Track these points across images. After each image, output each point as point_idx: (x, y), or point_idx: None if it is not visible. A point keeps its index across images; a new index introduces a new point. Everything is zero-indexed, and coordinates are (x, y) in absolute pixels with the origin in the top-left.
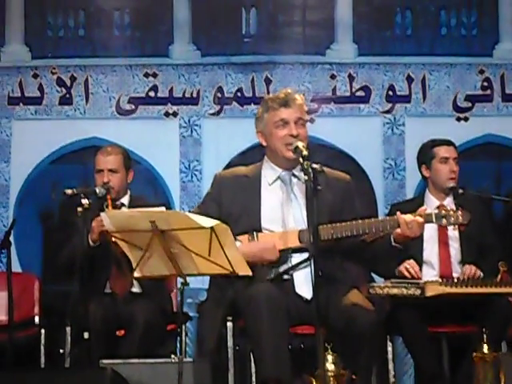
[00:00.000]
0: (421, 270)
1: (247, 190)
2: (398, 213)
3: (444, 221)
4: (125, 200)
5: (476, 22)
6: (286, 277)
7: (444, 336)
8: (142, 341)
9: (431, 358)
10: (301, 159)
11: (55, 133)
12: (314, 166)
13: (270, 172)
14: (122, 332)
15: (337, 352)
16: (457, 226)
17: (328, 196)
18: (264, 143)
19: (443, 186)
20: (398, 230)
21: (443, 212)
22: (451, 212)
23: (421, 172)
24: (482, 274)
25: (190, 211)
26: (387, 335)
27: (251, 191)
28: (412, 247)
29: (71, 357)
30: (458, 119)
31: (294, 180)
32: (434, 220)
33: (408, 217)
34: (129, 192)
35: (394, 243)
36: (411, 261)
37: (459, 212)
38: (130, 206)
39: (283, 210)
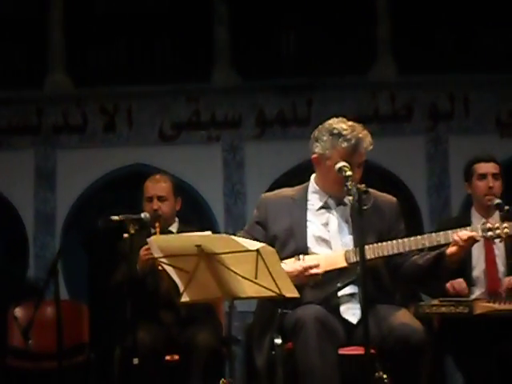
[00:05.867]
0: (470, 288)
1: (294, 213)
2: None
3: (490, 233)
4: (173, 228)
5: None
6: (332, 301)
7: (494, 353)
8: (206, 366)
9: (482, 375)
10: (344, 180)
11: (99, 160)
12: (359, 186)
13: (316, 196)
14: (176, 357)
15: (387, 372)
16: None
17: (375, 220)
18: (317, 167)
19: (483, 203)
20: (449, 249)
21: (489, 225)
22: (497, 224)
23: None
24: None
25: (234, 234)
26: (437, 354)
27: (297, 214)
28: (461, 266)
29: (121, 383)
30: (502, 135)
31: (341, 205)
32: (480, 233)
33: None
34: (177, 220)
35: (448, 264)
36: (459, 280)
37: (505, 224)
38: (179, 233)
39: (330, 234)
